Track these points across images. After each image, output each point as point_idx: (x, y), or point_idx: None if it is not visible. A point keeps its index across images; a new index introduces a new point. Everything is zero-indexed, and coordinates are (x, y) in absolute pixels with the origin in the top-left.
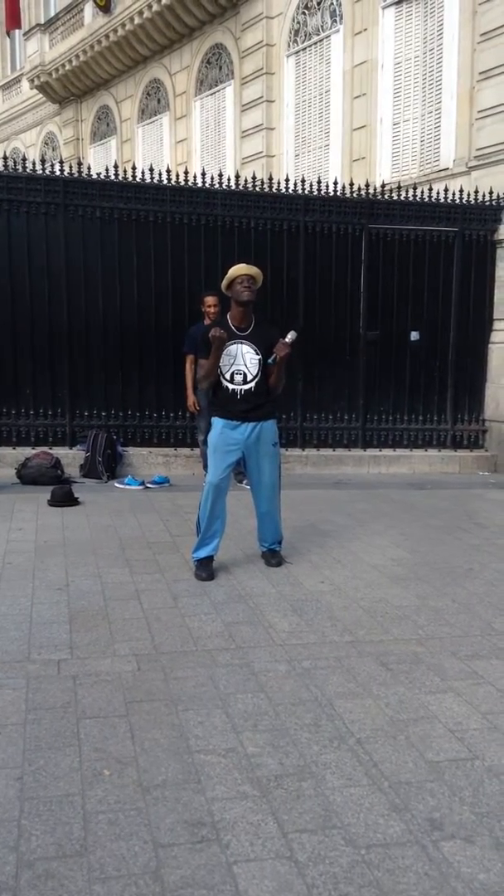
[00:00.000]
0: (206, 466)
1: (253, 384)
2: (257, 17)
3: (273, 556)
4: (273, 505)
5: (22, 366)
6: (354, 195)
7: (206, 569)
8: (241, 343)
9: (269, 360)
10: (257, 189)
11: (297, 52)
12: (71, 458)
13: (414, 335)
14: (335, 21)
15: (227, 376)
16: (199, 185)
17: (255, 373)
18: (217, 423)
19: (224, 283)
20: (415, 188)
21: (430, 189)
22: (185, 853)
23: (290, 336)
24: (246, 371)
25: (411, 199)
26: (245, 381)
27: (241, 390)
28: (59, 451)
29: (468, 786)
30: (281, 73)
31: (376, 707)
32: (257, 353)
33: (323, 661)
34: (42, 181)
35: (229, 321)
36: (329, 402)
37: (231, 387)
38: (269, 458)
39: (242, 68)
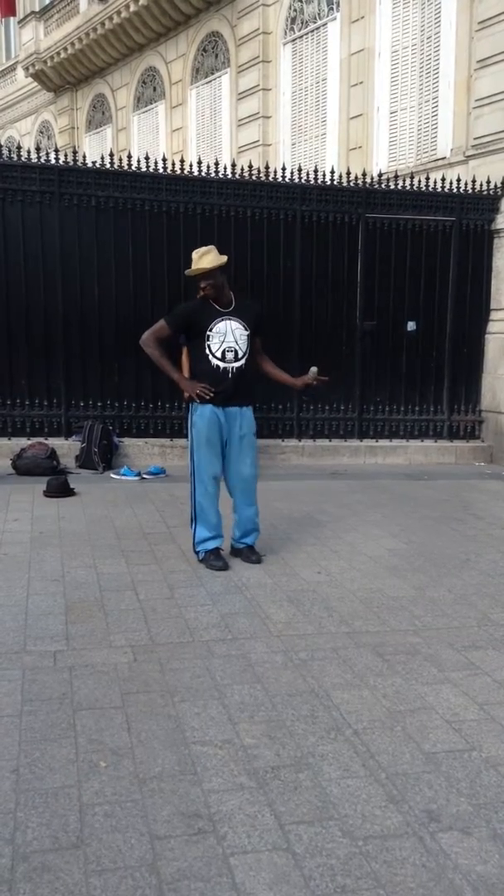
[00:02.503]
0: None
1: (243, 361)
2: (254, 5)
3: (252, 553)
4: (254, 498)
5: (17, 356)
6: (351, 184)
7: (220, 558)
8: (230, 319)
9: (312, 373)
10: (254, 178)
11: (294, 40)
12: (66, 448)
13: (410, 325)
14: (332, 9)
15: (219, 354)
16: (195, 173)
17: (245, 349)
18: (204, 409)
19: (187, 272)
20: (412, 177)
21: (428, 178)
22: (182, 845)
23: (313, 371)
24: (237, 348)
25: (408, 188)
26: (237, 358)
27: (232, 368)
28: (55, 442)
29: (465, 777)
30: (277, 62)
31: (373, 698)
32: (246, 329)
33: (319, 651)
34: (37, 170)
35: (212, 303)
36: (325, 393)
37: (222, 365)
38: (250, 448)
39: (238, 56)
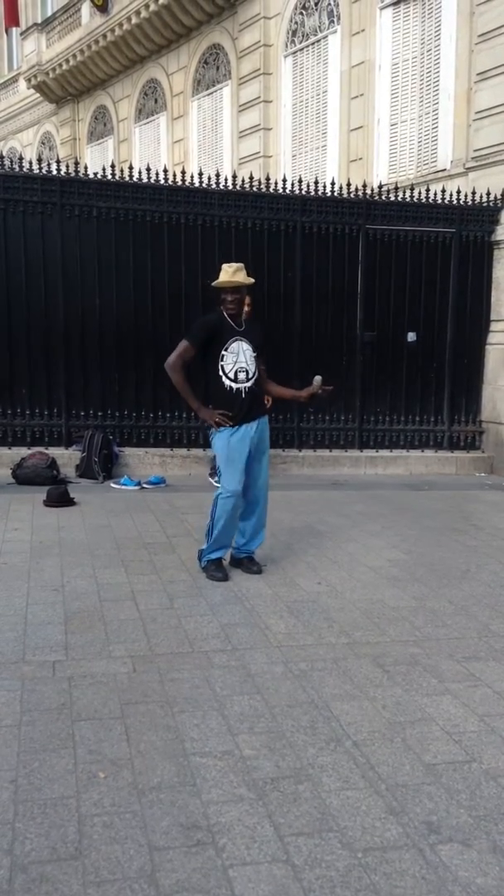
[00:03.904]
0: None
1: (253, 381)
2: (255, 18)
3: (253, 563)
4: (266, 505)
5: (18, 365)
6: (352, 196)
7: (221, 569)
8: (241, 340)
9: (316, 383)
10: (254, 189)
11: (295, 52)
12: (67, 458)
13: (411, 336)
14: (333, 21)
15: (232, 375)
16: (197, 185)
17: (254, 370)
18: (223, 432)
19: (214, 283)
20: (412, 189)
21: (428, 190)
22: (181, 856)
23: (317, 380)
24: (248, 368)
25: (409, 199)
26: (248, 378)
27: (244, 388)
28: (55, 452)
29: (465, 789)
30: (278, 74)
31: (373, 709)
32: (254, 351)
33: (319, 662)
34: (39, 181)
35: (229, 319)
36: (326, 403)
37: (235, 386)
38: (266, 455)
39: (240, 68)
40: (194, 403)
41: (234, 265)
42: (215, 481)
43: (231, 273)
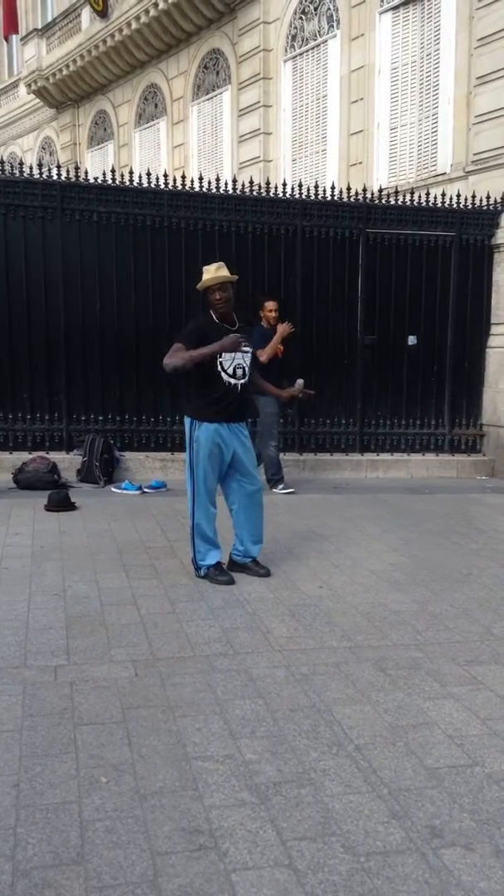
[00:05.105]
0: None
1: (247, 379)
2: (254, 23)
3: (259, 566)
4: (262, 512)
5: (19, 370)
6: (352, 200)
7: (225, 573)
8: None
9: (298, 385)
10: (255, 194)
11: (295, 57)
12: (68, 462)
13: (411, 339)
14: (332, 26)
15: (230, 371)
16: (197, 189)
17: (249, 367)
18: (208, 427)
19: (199, 285)
20: (412, 193)
21: (428, 193)
22: (183, 861)
23: (300, 383)
24: (245, 365)
25: (409, 203)
26: (244, 375)
27: (240, 385)
28: (56, 456)
29: (468, 793)
30: (278, 79)
31: (375, 713)
32: (250, 347)
33: (321, 666)
34: (39, 185)
35: (219, 321)
36: (326, 407)
37: (232, 381)
38: (251, 454)
39: (239, 73)
40: (207, 351)
41: (215, 264)
42: (280, 489)
43: (215, 270)
